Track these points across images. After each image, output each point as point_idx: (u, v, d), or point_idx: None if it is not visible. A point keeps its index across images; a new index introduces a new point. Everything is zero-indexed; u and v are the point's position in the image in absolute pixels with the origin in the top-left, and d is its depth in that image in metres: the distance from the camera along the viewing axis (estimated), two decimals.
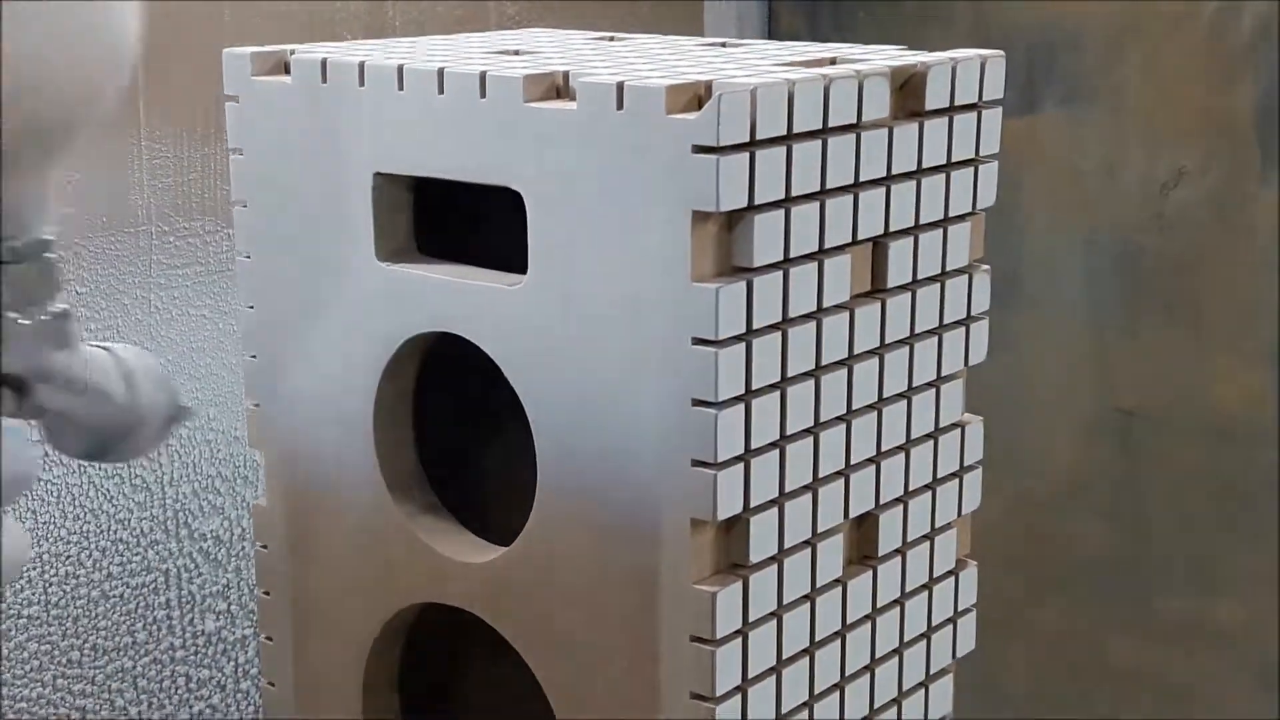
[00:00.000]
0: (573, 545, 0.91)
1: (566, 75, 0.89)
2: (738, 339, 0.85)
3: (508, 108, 0.88)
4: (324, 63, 0.96)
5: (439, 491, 1.02)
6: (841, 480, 0.94)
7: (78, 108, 0.68)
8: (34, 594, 1.23)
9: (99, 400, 0.72)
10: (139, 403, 0.73)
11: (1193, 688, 1.60)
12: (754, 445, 0.87)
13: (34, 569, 1.23)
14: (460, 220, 0.99)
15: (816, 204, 0.89)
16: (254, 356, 1.03)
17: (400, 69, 0.93)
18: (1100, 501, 1.65)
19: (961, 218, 1.01)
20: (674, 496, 0.86)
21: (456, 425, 1.05)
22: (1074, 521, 1.67)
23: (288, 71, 0.99)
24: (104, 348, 0.74)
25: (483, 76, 0.89)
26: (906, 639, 1.03)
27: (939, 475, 1.04)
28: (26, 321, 0.68)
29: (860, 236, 0.92)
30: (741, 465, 0.87)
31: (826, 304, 0.91)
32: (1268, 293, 1.52)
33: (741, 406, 0.86)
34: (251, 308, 1.03)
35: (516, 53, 1.00)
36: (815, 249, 0.89)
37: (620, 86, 0.84)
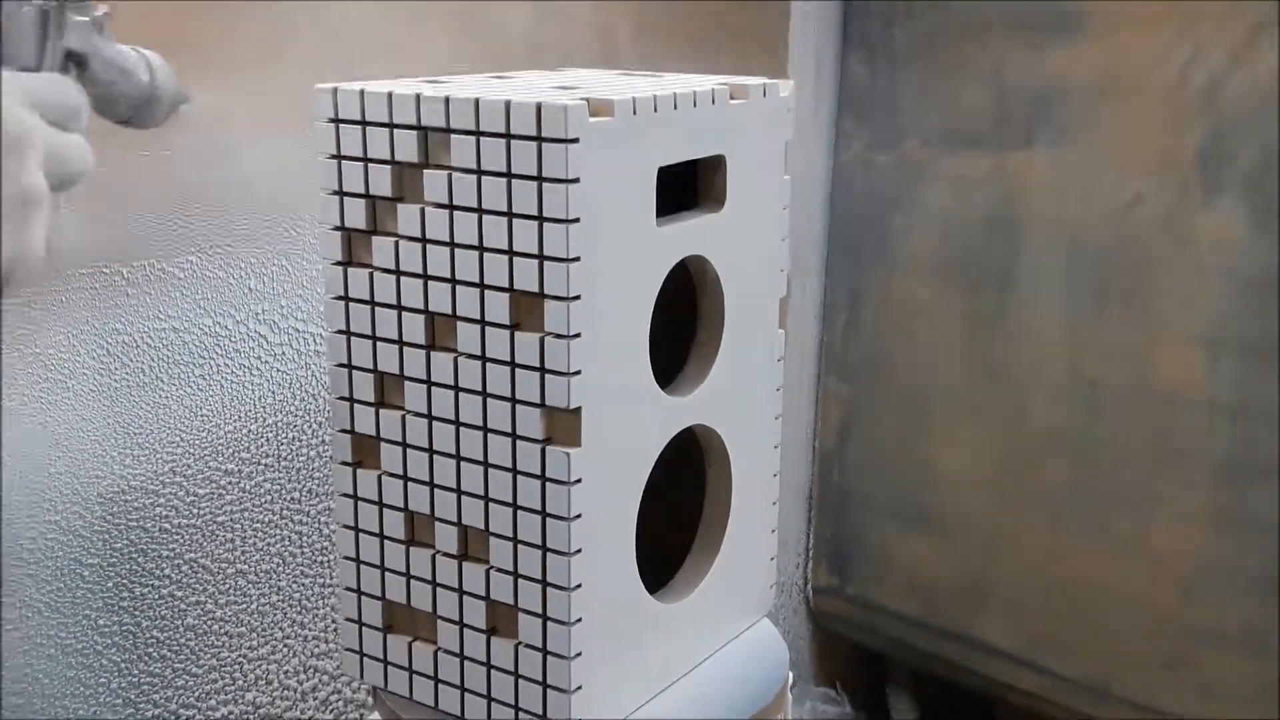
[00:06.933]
0: None
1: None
2: None
3: None
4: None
5: None
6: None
7: None
8: None
9: (131, 79, 0.92)
10: (157, 83, 0.94)
11: (1135, 595, 1.78)
12: None
13: None
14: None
15: None
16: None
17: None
18: (1066, 449, 1.83)
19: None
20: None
21: None
22: (1045, 461, 1.87)
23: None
24: (133, 49, 0.94)
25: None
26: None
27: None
28: (82, 17, 0.88)
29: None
30: None
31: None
32: (1202, 291, 1.67)
33: None
34: None
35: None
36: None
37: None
